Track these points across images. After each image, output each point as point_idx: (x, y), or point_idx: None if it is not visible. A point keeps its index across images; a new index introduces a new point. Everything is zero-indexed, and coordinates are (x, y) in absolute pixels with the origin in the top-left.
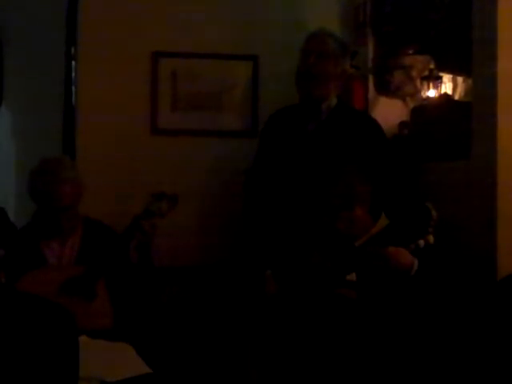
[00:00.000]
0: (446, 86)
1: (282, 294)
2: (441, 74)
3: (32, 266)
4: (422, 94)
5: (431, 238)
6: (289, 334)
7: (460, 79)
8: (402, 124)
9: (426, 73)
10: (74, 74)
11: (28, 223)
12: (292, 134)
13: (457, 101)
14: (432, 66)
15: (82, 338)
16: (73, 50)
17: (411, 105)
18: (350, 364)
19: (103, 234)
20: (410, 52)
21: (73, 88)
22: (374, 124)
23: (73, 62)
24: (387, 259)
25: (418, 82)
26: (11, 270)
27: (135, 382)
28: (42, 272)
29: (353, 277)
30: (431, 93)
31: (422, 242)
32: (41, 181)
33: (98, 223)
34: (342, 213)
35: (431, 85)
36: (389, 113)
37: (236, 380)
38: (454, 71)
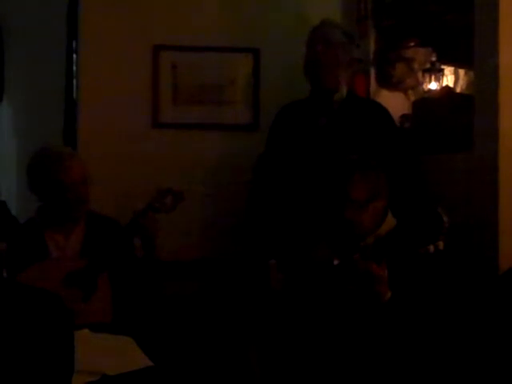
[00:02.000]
0: (448, 79)
1: (286, 285)
2: (442, 66)
3: (35, 258)
4: (424, 86)
5: (441, 245)
6: (293, 327)
7: (462, 72)
8: (404, 117)
9: (428, 65)
10: (75, 68)
11: (31, 217)
12: (303, 128)
13: (458, 93)
14: (434, 59)
15: (84, 332)
16: (74, 43)
17: (413, 97)
18: (355, 359)
19: (107, 227)
20: (412, 44)
21: (74, 82)
22: (386, 113)
23: (74, 56)
24: (366, 274)
25: (420, 75)
26: (14, 262)
27: (136, 375)
28: (44, 265)
29: None
30: (433, 85)
31: (431, 248)
32: (47, 163)
33: (102, 217)
34: (369, 205)
35: (433, 77)
36: (390, 105)
37: (238, 374)
38: (455, 64)
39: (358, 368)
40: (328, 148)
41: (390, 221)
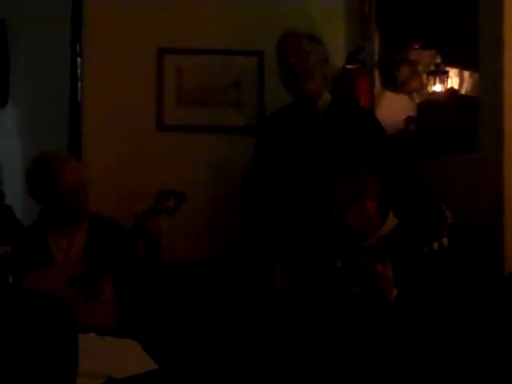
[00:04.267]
0: (453, 81)
1: (291, 290)
2: (447, 68)
3: (39, 262)
4: (429, 88)
5: (446, 241)
6: (298, 330)
7: (466, 74)
8: (409, 119)
9: (432, 67)
10: (79, 71)
11: (35, 221)
12: (292, 133)
13: (463, 95)
14: (438, 61)
15: (90, 335)
16: (78, 47)
17: (417, 100)
18: (359, 361)
19: (110, 229)
20: (416, 47)
21: (78, 85)
22: (371, 118)
23: (78, 59)
24: (371, 273)
25: (424, 77)
26: (19, 266)
27: (142, 378)
28: (48, 269)
29: None
30: (437, 87)
31: (436, 245)
32: (44, 168)
33: (104, 219)
34: (353, 206)
35: (437, 79)
36: (395, 108)
37: (243, 378)
38: (460, 66)
39: (362, 367)
40: (317, 151)
41: (392, 221)
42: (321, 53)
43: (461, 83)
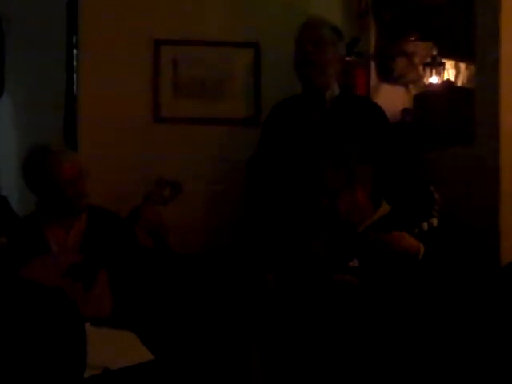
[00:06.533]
0: (449, 73)
1: (287, 287)
2: (443, 60)
3: (35, 253)
4: (425, 80)
5: (435, 221)
6: (292, 323)
7: (463, 65)
8: (405, 111)
9: (429, 59)
10: (75, 63)
11: (32, 212)
12: (297, 124)
13: (459, 87)
14: (434, 53)
15: (86, 326)
16: (74, 39)
17: (414, 92)
18: (353, 355)
19: (108, 221)
20: (413, 39)
21: (74, 77)
22: (378, 110)
23: (74, 51)
24: (391, 244)
25: (421, 69)
26: (15, 257)
27: (138, 369)
28: (45, 259)
29: (355, 263)
30: (434, 79)
31: (425, 225)
32: (41, 162)
33: (102, 210)
34: (343, 194)
35: (434, 71)
36: (391, 100)
37: (238, 369)
38: (456, 57)
39: (360, 365)
40: (322, 143)
41: (385, 208)
42: (339, 49)
43: (457, 75)
